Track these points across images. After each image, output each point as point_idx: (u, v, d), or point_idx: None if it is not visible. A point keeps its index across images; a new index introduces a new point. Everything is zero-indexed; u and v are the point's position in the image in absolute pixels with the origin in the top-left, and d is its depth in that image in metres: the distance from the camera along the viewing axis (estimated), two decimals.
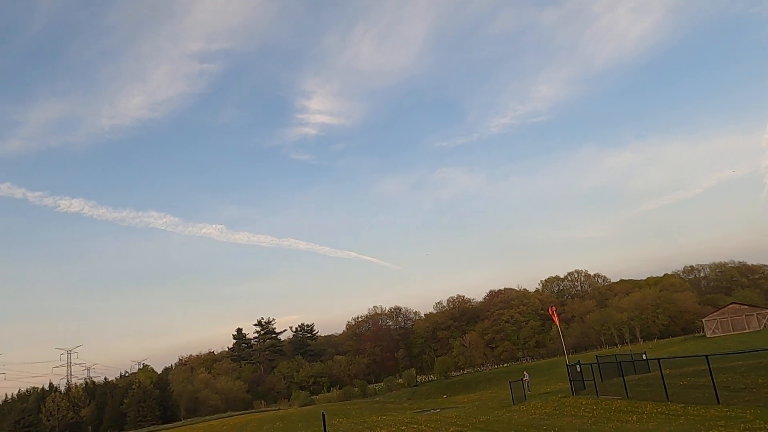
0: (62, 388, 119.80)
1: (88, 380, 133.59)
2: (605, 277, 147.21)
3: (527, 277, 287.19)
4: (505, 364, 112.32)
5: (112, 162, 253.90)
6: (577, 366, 32.78)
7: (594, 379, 29.36)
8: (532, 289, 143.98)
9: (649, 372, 32.56)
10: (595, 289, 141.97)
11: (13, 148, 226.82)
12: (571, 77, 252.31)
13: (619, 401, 24.60)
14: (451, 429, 22.19)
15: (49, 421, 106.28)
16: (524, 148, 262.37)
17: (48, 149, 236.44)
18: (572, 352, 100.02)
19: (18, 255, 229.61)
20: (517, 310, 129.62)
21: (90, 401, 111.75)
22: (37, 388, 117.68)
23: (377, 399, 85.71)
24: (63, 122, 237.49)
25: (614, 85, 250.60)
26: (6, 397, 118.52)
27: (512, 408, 31.87)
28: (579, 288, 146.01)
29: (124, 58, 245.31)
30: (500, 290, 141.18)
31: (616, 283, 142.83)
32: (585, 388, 31.11)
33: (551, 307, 40.60)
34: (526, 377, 44.48)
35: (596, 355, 40.70)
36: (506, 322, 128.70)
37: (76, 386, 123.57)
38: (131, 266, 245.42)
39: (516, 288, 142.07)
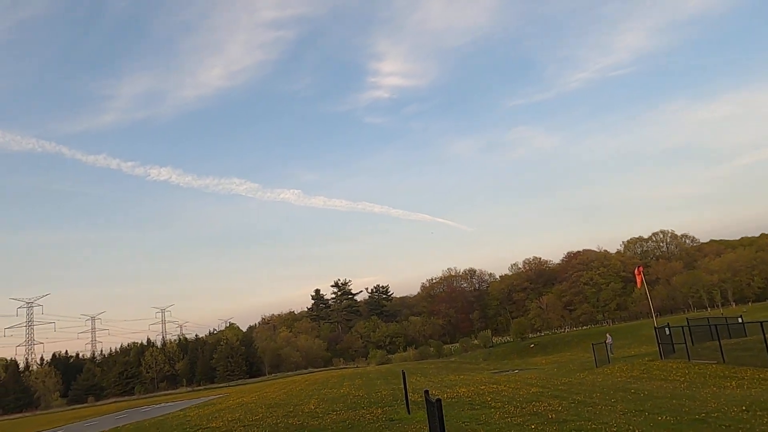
0: (158, 344, 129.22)
1: (180, 336, 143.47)
2: (693, 237, 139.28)
3: (608, 238, 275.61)
4: (584, 327, 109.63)
5: (195, 131, 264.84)
6: (666, 328, 31.20)
7: (685, 343, 27.86)
8: (613, 251, 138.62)
9: (746, 336, 30.48)
10: (683, 250, 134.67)
11: (107, 121, 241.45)
12: (659, 25, 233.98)
13: (714, 366, 23.22)
14: (532, 390, 21.76)
15: (148, 372, 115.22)
16: (606, 104, 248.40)
17: (138, 121, 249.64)
18: (657, 315, 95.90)
19: (115, 221, 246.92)
20: (597, 272, 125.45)
21: (183, 356, 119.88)
22: (137, 343, 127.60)
23: (453, 359, 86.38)
24: (150, 95, 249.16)
25: (707, 31, 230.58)
26: (110, 351, 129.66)
27: (595, 370, 30.96)
28: (665, 249, 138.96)
29: (202, 30, 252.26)
30: (579, 252, 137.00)
31: (706, 243, 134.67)
32: (674, 352, 29.62)
33: (638, 267, 38.65)
34: (609, 340, 43.11)
35: (687, 318, 38.62)
36: (585, 284, 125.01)
37: (171, 342, 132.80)
38: (216, 231, 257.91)
39: (596, 249, 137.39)
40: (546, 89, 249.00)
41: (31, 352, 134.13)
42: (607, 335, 46.41)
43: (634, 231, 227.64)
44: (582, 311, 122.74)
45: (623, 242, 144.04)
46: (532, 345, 79.16)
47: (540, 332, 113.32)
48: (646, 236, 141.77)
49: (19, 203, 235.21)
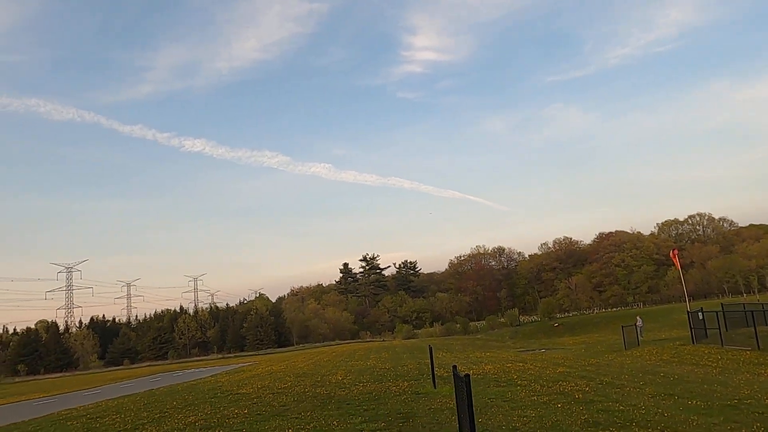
0: (191, 311, 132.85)
1: (212, 305, 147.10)
2: (731, 221, 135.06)
3: (642, 220, 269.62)
4: (614, 309, 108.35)
5: (229, 103, 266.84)
6: (700, 313, 30.60)
7: (719, 328, 27.32)
8: (646, 233, 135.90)
9: None
10: (720, 233, 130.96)
11: (143, 93, 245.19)
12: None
13: (748, 352, 22.75)
14: (559, 369, 21.71)
15: (180, 338, 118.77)
16: (646, 81, 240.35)
17: (173, 92, 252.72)
18: (690, 299, 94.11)
19: (150, 191, 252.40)
20: (629, 253, 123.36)
21: (214, 324, 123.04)
22: (170, 310, 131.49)
23: (479, 336, 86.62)
24: (185, 66, 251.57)
25: (754, 6, 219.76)
26: (145, 316, 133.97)
27: (624, 353, 30.67)
28: (701, 232, 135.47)
29: (238, 1, 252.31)
30: (611, 233, 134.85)
31: (745, 228, 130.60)
32: (707, 337, 29.09)
33: (673, 250, 37.84)
34: (639, 322, 42.52)
35: (722, 303, 37.75)
36: (616, 265, 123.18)
37: (202, 310, 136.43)
38: (248, 203, 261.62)
39: (629, 231, 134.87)
40: (584, 65, 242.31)
41: (71, 316, 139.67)
42: (638, 318, 45.74)
43: (669, 213, 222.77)
44: (612, 293, 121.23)
45: (657, 224, 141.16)
46: (557, 324, 78.66)
47: (568, 312, 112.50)
48: (681, 219, 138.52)
49: (59, 172, 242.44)
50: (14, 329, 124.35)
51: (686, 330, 33.06)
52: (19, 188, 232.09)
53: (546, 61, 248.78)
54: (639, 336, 37.49)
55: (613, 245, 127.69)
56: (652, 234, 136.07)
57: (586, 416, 11.30)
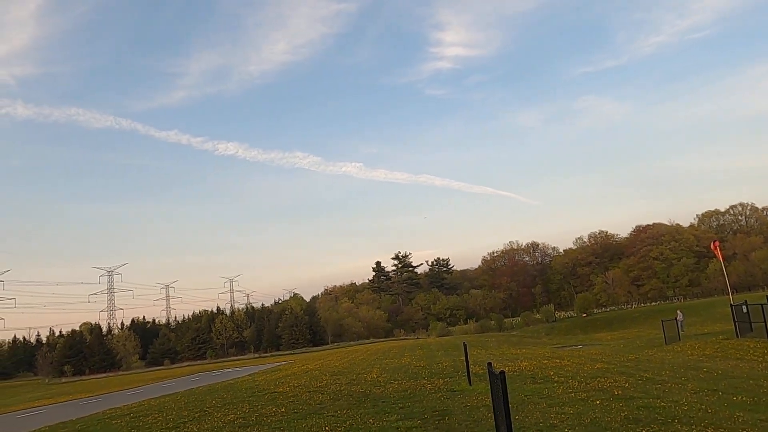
0: (227, 312, 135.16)
1: (247, 305, 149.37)
2: None
3: (680, 211, 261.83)
4: (653, 303, 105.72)
5: (260, 106, 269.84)
6: (744, 306, 29.62)
7: (764, 321, 26.33)
8: (685, 224, 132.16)
9: None
10: (764, 224, 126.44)
11: (177, 98, 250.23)
12: None
13: None
14: (597, 365, 21.34)
15: (218, 339, 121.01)
16: (682, 69, 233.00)
17: (205, 97, 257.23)
18: (733, 292, 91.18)
19: (186, 195, 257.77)
20: (668, 246, 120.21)
21: (250, 324, 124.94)
22: (207, 310, 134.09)
23: (514, 333, 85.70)
24: (217, 71, 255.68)
25: None
26: (183, 317, 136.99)
27: (664, 348, 29.93)
28: (743, 223, 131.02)
29: (266, 5, 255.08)
30: (648, 225, 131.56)
31: None
32: (752, 331, 28.11)
33: (714, 242, 36.71)
34: (680, 316, 41.44)
35: (767, 296, 36.44)
36: (655, 259, 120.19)
37: (238, 310, 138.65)
38: (280, 204, 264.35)
39: (667, 223, 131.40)
40: (616, 55, 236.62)
41: (113, 317, 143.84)
42: (678, 312, 44.55)
43: (709, 203, 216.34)
44: (651, 287, 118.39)
45: (697, 216, 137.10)
46: (585, 314, 76.94)
47: (605, 307, 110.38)
48: (722, 209, 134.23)
49: (99, 178, 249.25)
50: (60, 331, 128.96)
51: (729, 324, 32.07)
52: (62, 196, 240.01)
53: (577, 52, 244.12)
54: (680, 330, 36.54)
55: (651, 238, 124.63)
56: (691, 226, 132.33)
57: (626, 413, 11.09)
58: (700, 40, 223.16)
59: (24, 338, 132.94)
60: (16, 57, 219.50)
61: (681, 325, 38.66)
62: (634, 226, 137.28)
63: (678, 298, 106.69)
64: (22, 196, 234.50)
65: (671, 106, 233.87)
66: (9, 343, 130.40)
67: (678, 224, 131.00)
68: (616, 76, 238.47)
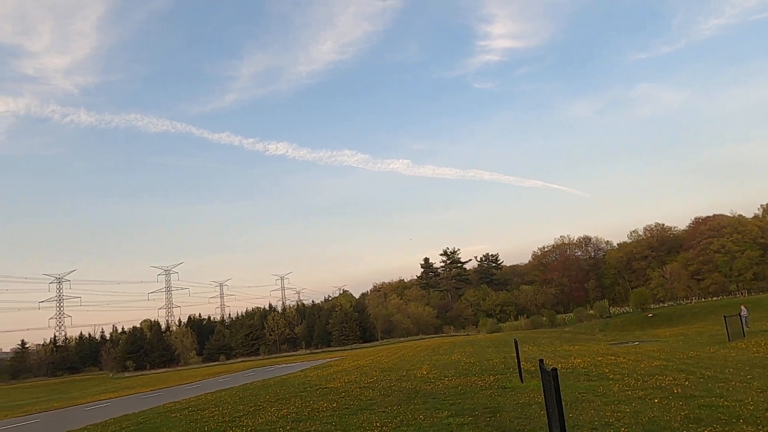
0: (279, 309, 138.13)
1: (298, 302, 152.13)
2: None
3: (743, 202, 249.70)
4: (714, 298, 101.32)
5: (308, 106, 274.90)
6: None
7: None
8: (749, 215, 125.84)
9: None
10: None
11: (229, 101, 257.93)
12: None
13: None
14: (655, 363, 20.63)
15: (270, 335, 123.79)
16: (743, 52, 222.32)
17: (256, 99, 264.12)
18: None
19: (238, 195, 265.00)
20: (730, 238, 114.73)
21: (301, 320, 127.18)
22: (260, 308, 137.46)
23: (567, 329, 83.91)
24: (266, 73, 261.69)
25: None
26: (237, 314, 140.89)
27: (727, 344, 28.65)
28: None
29: (314, 5, 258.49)
30: (708, 217, 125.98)
31: None
32: None
33: None
34: (744, 312, 39.52)
35: None
36: (716, 251, 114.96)
37: (290, 307, 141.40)
38: (330, 201, 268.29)
39: (728, 214, 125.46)
40: (673, 40, 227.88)
41: (170, 315, 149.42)
42: (742, 307, 42.48)
43: None
44: (712, 281, 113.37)
45: (761, 206, 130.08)
46: (650, 314, 74.23)
47: (663, 303, 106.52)
48: None
49: (156, 180, 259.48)
50: (122, 328, 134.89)
51: None
52: (122, 197, 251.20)
53: (630, 39, 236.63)
54: (744, 326, 34.88)
55: (712, 230, 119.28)
56: (756, 216, 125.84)
57: (686, 412, 10.69)
58: (762, 21, 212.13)
59: (89, 335, 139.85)
60: (78, 67, 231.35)
61: (745, 321, 36.90)
62: (692, 218, 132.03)
63: (742, 293, 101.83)
64: (87, 200, 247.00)
65: (732, 91, 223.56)
66: (76, 339, 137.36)
67: (741, 215, 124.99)
68: (673, 62, 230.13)
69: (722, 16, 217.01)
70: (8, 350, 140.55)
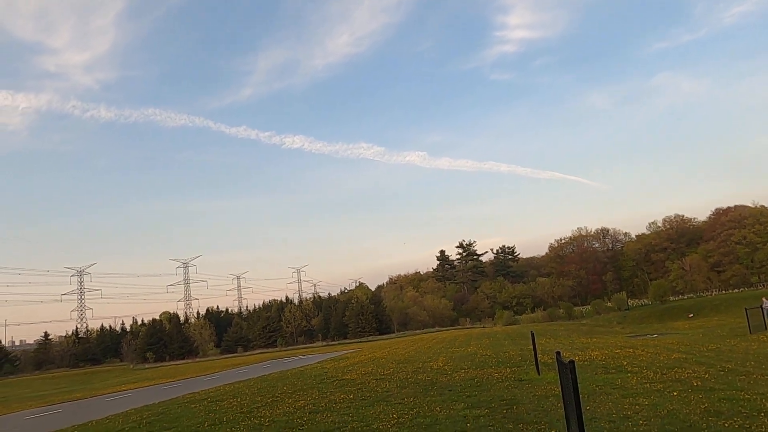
0: (295, 301, 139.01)
1: (315, 295, 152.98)
2: None
3: (765, 192, 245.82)
4: (735, 290, 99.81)
5: (324, 99, 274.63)
6: None
7: None
8: None
9: None
10: None
11: (245, 95, 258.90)
12: None
13: None
14: (674, 355, 20.41)
15: (287, 327, 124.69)
16: (767, 40, 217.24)
17: (272, 93, 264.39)
18: None
19: (255, 188, 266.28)
20: (752, 229, 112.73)
21: (318, 312, 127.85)
22: (277, 300, 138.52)
23: (584, 322, 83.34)
24: (282, 67, 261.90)
25: None
26: (254, 307, 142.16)
27: (748, 337, 28.24)
28: None
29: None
30: (728, 208, 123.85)
31: None
32: None
33: None
34: (766, 304, 38.86)
35: None
36: (737, 243, 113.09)
37: (306, 300, 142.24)
38: (346, 194, 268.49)
39: (750, 205, 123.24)
40: (694, 29, 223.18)
41: (189, 307, 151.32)
42: (764, 299, 41.76)
43: None
44: (733, 273, 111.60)
45: None
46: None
47: (682, 295, 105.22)
48: None
49: (174, 174, 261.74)
50: (142, 320, 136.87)
51: None
52: (141, 191, 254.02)
53: (650, 28, 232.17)
54: (766, 319, 34.33)
55: (733, 221, 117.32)
56: None
57: (705, 405, 10.58)
58: None
59: (110, 327, 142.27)
60: (98, 63, 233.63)
61: (767, 313, 36.32)
62: (712, 210, 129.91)
63: (763, 285, 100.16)
64: (107, 193, 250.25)
65: (754, 80, 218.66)
66: (97, 331, 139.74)
67: (763, 206, 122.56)
68: (694, 51, 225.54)
69: (745, 4, 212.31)
70: (32, 342, 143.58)
